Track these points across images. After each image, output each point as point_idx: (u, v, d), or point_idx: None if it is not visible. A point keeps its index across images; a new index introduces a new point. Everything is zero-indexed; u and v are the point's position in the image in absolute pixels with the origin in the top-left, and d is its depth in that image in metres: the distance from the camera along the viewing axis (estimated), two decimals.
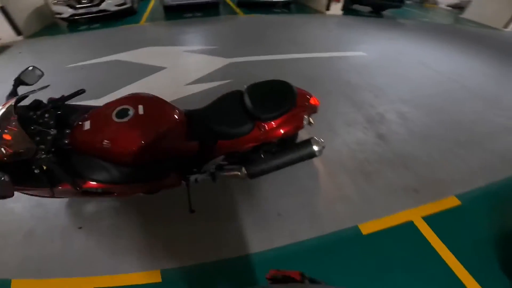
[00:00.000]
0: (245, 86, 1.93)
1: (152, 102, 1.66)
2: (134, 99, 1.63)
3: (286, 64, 4.47)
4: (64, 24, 6.93)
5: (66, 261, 1.82)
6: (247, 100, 1.80)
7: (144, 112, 1.53)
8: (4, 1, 5.68)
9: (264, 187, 2.31)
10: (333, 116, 3.23)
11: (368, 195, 2.28)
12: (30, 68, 1.62)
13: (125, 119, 1.47)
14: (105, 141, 1.38)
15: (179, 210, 2.05)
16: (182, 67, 4.36)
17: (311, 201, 2.23)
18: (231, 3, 8.83)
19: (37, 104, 1.47)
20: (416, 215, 2.14)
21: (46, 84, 1.56)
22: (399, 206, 2.20)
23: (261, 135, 1.84)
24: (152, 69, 4.24)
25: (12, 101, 1.29)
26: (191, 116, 1.78)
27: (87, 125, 1.42)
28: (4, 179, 1.15)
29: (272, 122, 1.84)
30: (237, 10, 8.04)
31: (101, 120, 1.45)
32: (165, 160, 1.62)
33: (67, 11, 6.42)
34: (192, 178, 1.87)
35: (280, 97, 1.85)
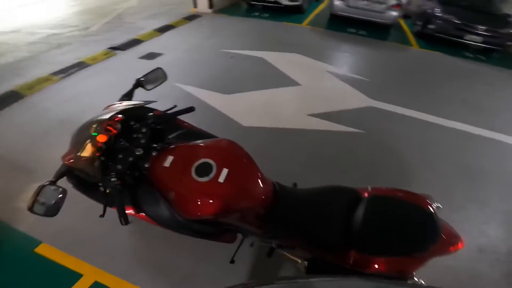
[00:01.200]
0: (369, 188, 1.36)
1: (240, 166, 1.32)
2: (223, 153, 1.33)
3: (447, 136, 3.30)
4: (244, 7, 7.68)
5: (97, 248, 1.91)
6: (358, 216, 1.24)
7: (226, 178, 1.21)
8: None
9: None
10: None
11: None
12: (156, 70, 1.58)
13: (205, 179, 1.20)
14: (176, 191, 1.19)
15: (220, 253, 1.81)
16: (316, 91, 3.93)
17: None
18: (406, 29, 7.49)
19: (143, 111, 1.37)
20: None
21: (154, 100, 1.46)
22: None
23: (348, 260, 1.27)
24: (287, 81, 4.02)
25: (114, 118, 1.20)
26: (278, 195, 1.37)
27: (168, 161, 1.23)
28: (60, 196, 1.11)
29: (376, 258, 1.23)
30: (412, 40, 6.73)
31: (181, 165, 1.24)
32: (230, 227, 1.37)
33: None
34: (249, 239, 1.64)
35: (408, 230, 1.21)
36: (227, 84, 3.85)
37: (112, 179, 1.11)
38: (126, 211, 1.29)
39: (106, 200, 1.25)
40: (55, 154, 2.70)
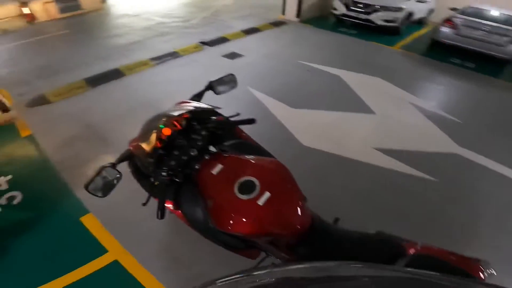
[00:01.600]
0: (419, 244, 1.18)
1: (283, 192, 1.27)
2: (270, 175, 1.29)
3: None
4: (331, 21, 7.47)
5: (131, 231, 2.11)
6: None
7: (267, 201, 1.19)
8: None
9: None
10: None
11: None
12: (228, 76, 1.64)
13: (245, 197, 1.20)
14: (216, 200, 1.22)
15: (240, 262, 1.75)
16: (391, 123, 3.54)
17: None
18: None
19: (207, 114, 1.44)
20: None
21: (219, 106, 1.52)
22: None
23: None
24: (360, 106, 3.75)
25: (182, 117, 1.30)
26: (315, 229, 1.28)
27: (216, 169, 1.27)
28: (115, 180, 1.27)
29: None
30: None
31: (227, 177, 1.25)
32: (257, 244, 1.36)
33: (341, 9, 6.80)
34: (272, 259, 1.54)
35: None
36: (297, 98, 3.80)
37: (163, 173, 1.19)
38: (166, 205, 1.37)
39: (152, 191, 1.37)
40: (130, 134, 3.13)
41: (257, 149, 1.60)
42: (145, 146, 1.24)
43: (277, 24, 6.90)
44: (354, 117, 3.54)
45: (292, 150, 2.95)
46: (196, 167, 1.27)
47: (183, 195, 1.36)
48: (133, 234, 2.14)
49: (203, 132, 1.30)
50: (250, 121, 1.39)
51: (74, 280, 1.82)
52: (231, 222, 1.17)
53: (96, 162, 2.73)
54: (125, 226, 2.17)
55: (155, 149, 1.21)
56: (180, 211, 1.41)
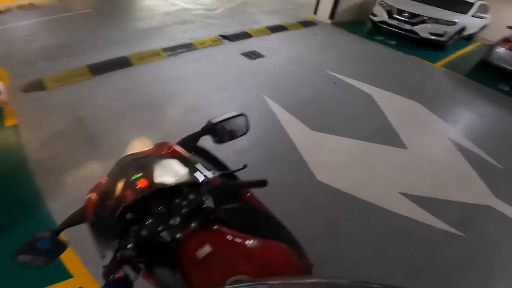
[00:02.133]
0: None
1: None
2: (270, 271, 0.86)
3: None
4: (368, 27, 6.76)
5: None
6: None
7: None
8: None
9: None
10: None
11: None
12: (238, 118, 1.15)
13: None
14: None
15: None
16: (424, 163, 2.98)
17: None
18: None
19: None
20: None
21: (244, 165, 1.01)
22: None
23: None
24: (391, 137, 3.19)
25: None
26: None
27: (203, 251, 0.85)
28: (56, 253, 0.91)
29: None
30: None
31: (216, 269, 0.84)
32: None
33: (382, 16, 6.10)
34: None
35: None
36: (318, 117, 3.30)
37: (129, 246, 0.80)
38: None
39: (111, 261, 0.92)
40: (123, 139, 2.73)
41: (263, 218, 1.14)
42: (110, 201, 0.85)
43: (306, 24, 6.30)
44: (382, 150, 3.00)
45: (303, 184, 2.48)
46: (178, 235, 0.87)
47: (158, 267, 0.93)
48: (104, 261, 1.78)
49: (191, 196, 0.89)
50: (261, 184, 0.91)
51: None
52: None
53: (78, 168, 2.39)
54: (96, 251, 1.82)
55: (120, 208, 0.82)
56: (151, 279, 0.98)
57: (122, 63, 3.95)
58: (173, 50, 4.46)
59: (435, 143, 3.29)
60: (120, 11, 7.34)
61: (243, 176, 1.03)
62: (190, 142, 1.11)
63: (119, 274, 0.73)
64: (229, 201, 1.05)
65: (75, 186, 2.23)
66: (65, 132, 2.76)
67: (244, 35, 5.30)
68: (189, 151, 1.03)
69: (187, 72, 3.94)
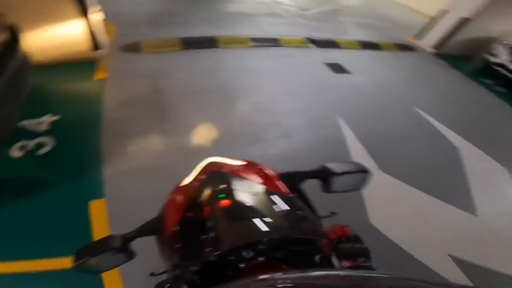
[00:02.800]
0: None
1: None
2: None
3: None
4: (476, 65, 5.78)
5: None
6: None
7: None
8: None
9: None
10: None
11: None
12: (359, 173, 0.93)
13: None
14: None
15: None
16: (490, 233, 2.40)
17: None
18: None
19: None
20: None
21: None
22: None
23: None
24: (464, 201, 2.65)
25: None
26: None
27: None
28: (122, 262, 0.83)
29: None
30: None
31: None
32: None
33: (502, 58, 5.07)
34: None
35: None
36: (388, 156, 2.90)
37: (193, 268, 0.70)
38: None
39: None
40: (190, 121, 2.74)
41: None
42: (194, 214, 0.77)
43: (403, 47, 5.65)
44: (448, 210, 2.51)
45: (354, 222, 2.15)
46: (241, 266, 0.76)
47: None
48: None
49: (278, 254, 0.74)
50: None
51: (43, 269, 1.57)
52: None
53: (141, 138, 2.47)
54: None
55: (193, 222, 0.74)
56: None
57: (211, 42, 4.03)
58: (259, 42, 4.39)
59: None
60: None
61: None
62: (294, 180, 0.93)
63: None
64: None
65: (134, 156, 2.29)
66: (142, 98, 2.90)
67: (332, 44, 4.97)
68: (290, 190, 0.86)
69: (265, 68, 3.83)
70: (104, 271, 0.82)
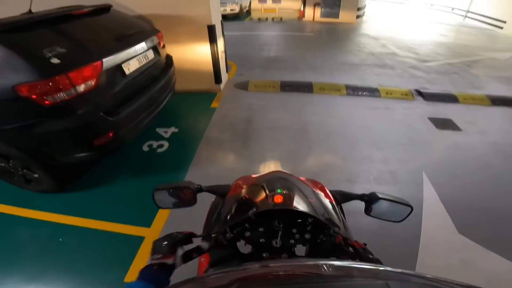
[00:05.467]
0: None
1: None
2: None
3: None
4: None
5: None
6: None
7: None
8: None
9: None
10: None
11: None
12: (403, 205, 0.99)
13: None
14: None
15: None
16: None
17: None
18: None
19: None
20: None
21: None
22: None
23: None
24: None
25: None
26: None
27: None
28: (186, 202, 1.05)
29: None
30: None
31: None
32: None
33: None
34: None
35: None
36: (476, 223, 2.26)
37: (228, 235, 0.87)
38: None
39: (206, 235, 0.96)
40: (267, 153, 3.12)
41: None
42: (247, 194, 0.97)
43: None
44: None
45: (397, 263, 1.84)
46: (264, 255, 0.91)
47: (224, 261, 0.99)
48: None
49: (307, 236, 0.91)
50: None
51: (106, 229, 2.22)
52: None
53: (226, 155, 3.06)
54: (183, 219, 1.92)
55: (251, 205, 0.92)
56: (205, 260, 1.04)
57: (306, 88, 4.48)
58: (355, 90, 4.48)
59: None
60: (333, 40, 8.20)
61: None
62: (342, 197, 1.10)
63: (170, 258, 0.74)
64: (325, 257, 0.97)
65: (214, 167, 2.85)
66: (236, 126, 3.57)
67: (448, 98, 4.39)
68: (336, 203, 1.04)
69: (354, 118, 3.81)
70: (169, 207, 1.03)
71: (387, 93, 4.46)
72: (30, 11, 2.39)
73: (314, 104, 4.11)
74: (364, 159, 3.03)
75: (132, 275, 1.90)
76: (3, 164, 2.26)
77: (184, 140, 3.33)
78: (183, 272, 0.75)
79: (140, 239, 2.14)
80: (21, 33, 1.82)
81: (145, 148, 3.13)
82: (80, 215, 2.34)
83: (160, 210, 2.38)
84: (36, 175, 2.28)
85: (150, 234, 2.18)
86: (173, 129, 3.46)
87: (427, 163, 3.02)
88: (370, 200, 1.02)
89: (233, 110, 3.92)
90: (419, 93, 4.50)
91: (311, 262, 0.53)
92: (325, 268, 0.44)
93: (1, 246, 2.12)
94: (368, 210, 1.03)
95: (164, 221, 2.28)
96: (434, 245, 2.15)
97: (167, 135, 3.35)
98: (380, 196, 0.99)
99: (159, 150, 3.10)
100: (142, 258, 2.01)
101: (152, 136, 3.30)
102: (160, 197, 1.02)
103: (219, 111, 3.88)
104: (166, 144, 3.18)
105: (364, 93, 4.44)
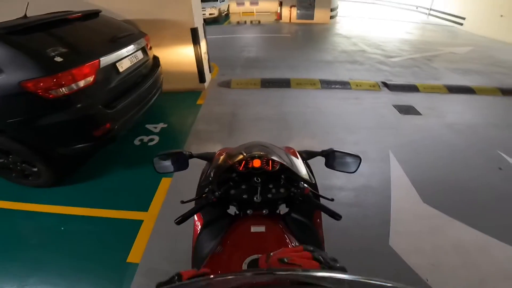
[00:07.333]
0: None
1: None
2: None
3: None
4: None
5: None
6: None
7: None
8: None
9: None
10: None
11: None
12: (354, 157, 1.23)
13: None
14: (221, 257, 0.98)
15: None
16: None
17: None
18: None
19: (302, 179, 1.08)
20: None
21: None
22: None
23: None
24: None
25: None
26: None
27: (256, 228, 1.01)
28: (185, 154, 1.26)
29: None
30: None
31: (253, 242, 0.99)
32: None
33: None
34: None
35: None
36: (447, 193, 2.68)
37: (216, 193, 1.03)
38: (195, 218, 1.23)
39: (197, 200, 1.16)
40: (249, 139, 3.45)
41: (316, 243, 1.21)
42: (227, 160, 1.12)
43: (509, 92, 4.91)
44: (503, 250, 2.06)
45: (374, 250, 2.19)
46: (248, 212, 1.07)
47: (215, 222, 1.20)
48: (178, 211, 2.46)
49: (282, 190, 1.09)
50: (334, 216, 1.01)
51: (106, 216, 2.39)
52: None
53: (212, 143, 3.34)
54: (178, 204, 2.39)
55: (233, 168, 1.10)
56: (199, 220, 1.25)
57: (284, 83, 4.85)
58: (329, 84, 4.91)
59: None
60: (309, 40, 8.70)
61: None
62: (307, 155, 1.36)
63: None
64: (302, 215, 1.19)
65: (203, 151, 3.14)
66: (222, 119, 3.85)
67: (410, 88, 4.92)
68: (303, 159, 1.30)
69: (328, 108, 4.22)
70: (167, 172, 1.25)
71: (357, 85, 4.93)
72: (25, 16, 2.57)
73: (292, 97, 4.48)
74: (338, 141, 3.42)
75: (134, 256, 2.06)
76: (2, 160, 2.40)
77: (174, 133, 3.57)
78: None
79: (139, 222, 2.31)
80: (25, 35, 2.03)
81: (137, 142, 3.35)
82: (79, 205, 2.47)
83: (156, 195, 2.61)
84: (34, 169, 2.43)
85: (148, 217, 2.37)
86: (162, 125, 3.69)
87: (393, 143, 3.45)
88: (328, 154, 1.25)
89: (218, 106, 4.20)
90: (385, 84, 5.00)
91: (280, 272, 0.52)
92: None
93: (6, 239, 2.21)
94: (328, 164, 1.26)
95: (160, 205, 2.48)
96: (403, 214, 2.50)
97: (157, 130, 3.58)
98: (335, 149, 1.25)
99: (150, 143, 3.33)
100: (142, 239, 2.18)
101: (142, 132, 3.52)
102: (159, 165, 1.23)
103: (205, 107, 4.16)
104: (156, 138, 3.41)
105: (337, 86, 4.88)
